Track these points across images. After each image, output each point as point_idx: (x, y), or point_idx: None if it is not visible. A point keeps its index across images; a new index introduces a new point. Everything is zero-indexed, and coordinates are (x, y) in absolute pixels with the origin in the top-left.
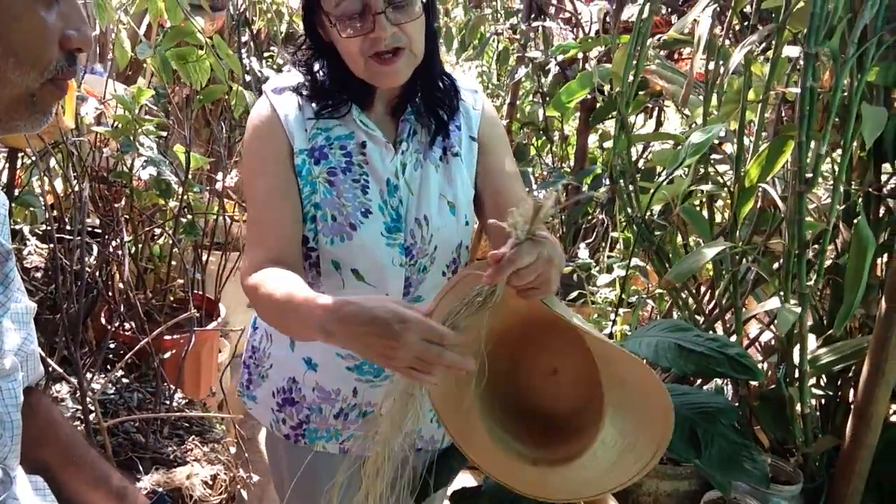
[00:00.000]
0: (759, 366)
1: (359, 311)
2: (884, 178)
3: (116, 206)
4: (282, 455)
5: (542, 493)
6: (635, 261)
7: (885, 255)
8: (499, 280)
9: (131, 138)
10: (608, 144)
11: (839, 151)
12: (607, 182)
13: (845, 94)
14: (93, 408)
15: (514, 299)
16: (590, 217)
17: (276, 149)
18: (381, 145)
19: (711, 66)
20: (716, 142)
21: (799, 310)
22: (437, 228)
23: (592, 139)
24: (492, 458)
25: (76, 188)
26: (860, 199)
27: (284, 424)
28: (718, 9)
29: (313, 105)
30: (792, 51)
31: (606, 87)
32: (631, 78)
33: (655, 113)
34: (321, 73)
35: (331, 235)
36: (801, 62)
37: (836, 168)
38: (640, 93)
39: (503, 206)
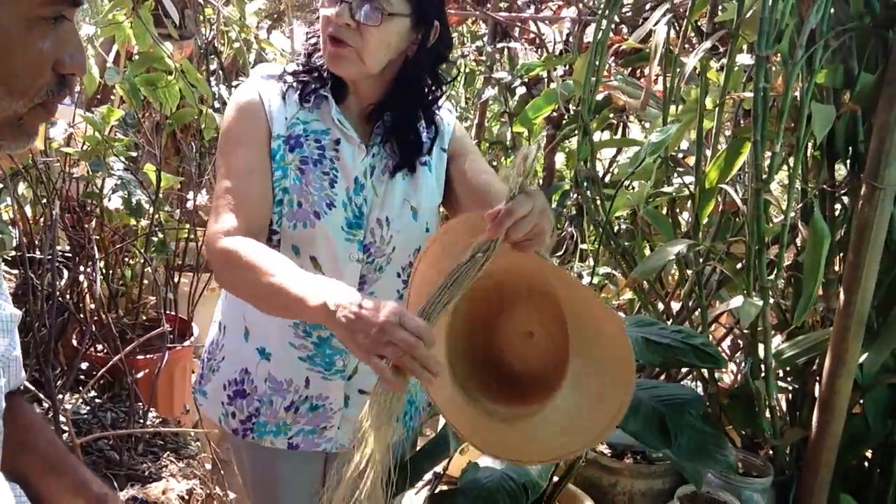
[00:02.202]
0: (728, 366)
1: (366, 303)
2: (840, 177)
3: (87, 226)
4: (244, 457)
5: (495, 450)
6: (606, 269)
7: (842, 252)
8: (500, 233)
9: (101, 158)
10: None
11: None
12: (575, 194)
13: (797, 96)
14: (66, 428)
15: (500, 257)
16: (559, 231)
17: (257, 127)
18: (354, 144)
19: (669, 78)
20: (681, 156)
21: (761, 303)
22: (398, 231)
23: (560, 158)
24: (457, 409)
25: (46, 211)
26: (816, 197)
27: (234, 418)
28: (675, 22)
29: (295, 96)
30: (746, 59)
31: (572, 106)
32: (592, 84)
33: (620, 129)
34: (317, 59)
35: (294, 220)
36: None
37: (792, 168)
38: (604, 109)
39: (484, 201)
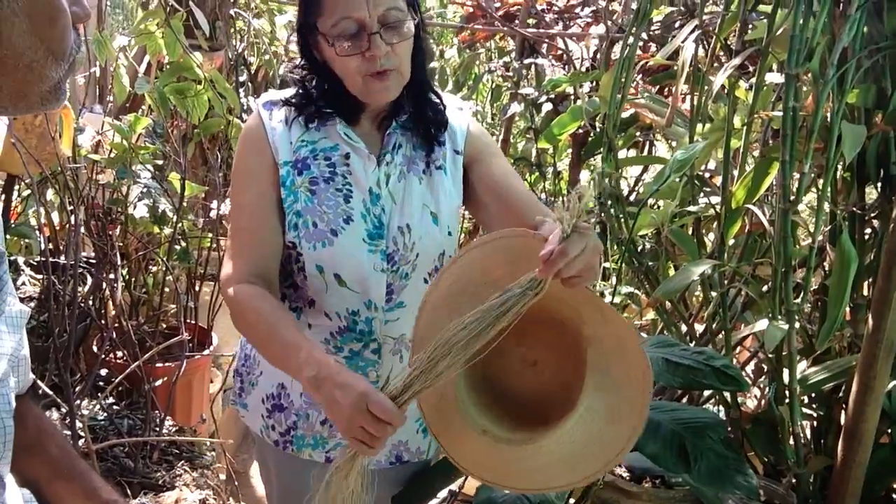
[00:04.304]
0: (751, 391)
1: (339, 384)
2: (870, 200)
3: (111, 233)
4: (270, 464)
5: (502, 480)
6: (629, 288)
7: (871, 277)
8: (551, 274)
9: (127, 166)
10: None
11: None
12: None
13: (827, 115)
14: (82, 433)
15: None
16: None
17: (262, 163)
18: (363, 157)
19: (697, 96)
20: (707, 175)
21: (787, 326)
22: (420, 237)
23: (585, 175)
24: (462, 441)
25: (72, 218)
26: (845, 219)
27: (273, 431)
28: (704, 40)
29: (301, 119)
30: (775, 77)
31: (598, 123)
32: (618, 101)
33: (646, 148)
34: (313, 89)
35: (313, 241)
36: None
37: (821, 189)
38: (630, 127)
39: (510, 204)
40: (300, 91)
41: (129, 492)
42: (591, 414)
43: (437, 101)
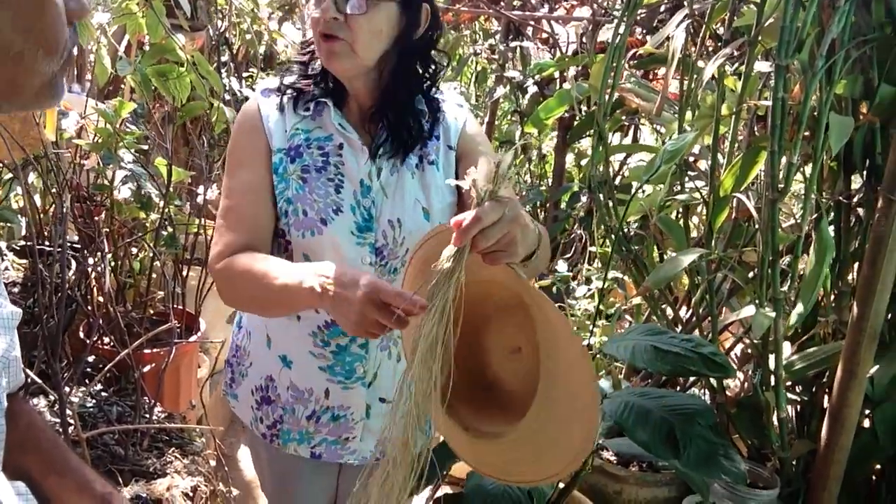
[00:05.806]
0: (736, 375)
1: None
2: (854, 188)
3: (97, 219)
4: (262, 455)
5: (474, 462)
6: (614, 273)
7: (857, 264)
8: (465, 241)
9: (112, 151)
10: (585, 163)
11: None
12: (585, 197)
13: (815, 106)
14: (72, 421)
15: (484, 270)
16: (568, 233)
17: (256, 146)
18: (356, 148)
19: (686, 83)
20: (691, 159)
21: (774, 314)
22: (410, 232)
23: (570, 158)
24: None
25: (57, 202)
26: (829, 209)
27: (262, 423)
28: (692, 27)
29: (293, 104)
30: (764, 66)
31: (584, 107)
32: (608, 89)
33: (631, 131)
34: (315, 69)
35: (302, 229)
36: (773, 74)
37: (808, 178)
38: (616, 111)
39: None
40: (301, 69)
41: (120, 479)
42: (547, 406)
43: (423, 107)
